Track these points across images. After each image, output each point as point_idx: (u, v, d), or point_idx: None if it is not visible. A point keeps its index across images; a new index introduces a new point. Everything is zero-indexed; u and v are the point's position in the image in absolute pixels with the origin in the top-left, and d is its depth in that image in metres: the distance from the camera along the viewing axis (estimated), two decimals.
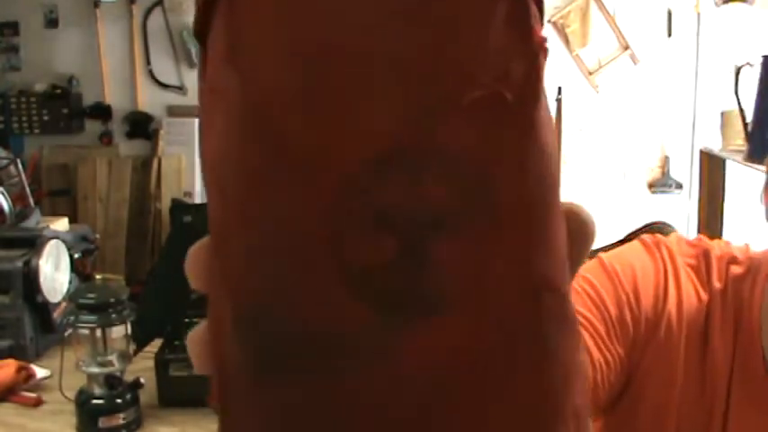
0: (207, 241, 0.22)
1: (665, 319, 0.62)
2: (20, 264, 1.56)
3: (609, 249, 0.73)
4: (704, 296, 0.64)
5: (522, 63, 0.20)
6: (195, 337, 0.22)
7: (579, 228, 0.22)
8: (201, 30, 0.21)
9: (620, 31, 4.06)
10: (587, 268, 0.65)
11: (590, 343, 0.61)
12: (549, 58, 0.21)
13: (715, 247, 0.68)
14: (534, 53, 0.20)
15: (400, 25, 0.19)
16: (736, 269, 0.65)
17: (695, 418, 0.62)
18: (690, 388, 0.62)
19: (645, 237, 0.71)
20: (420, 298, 0.19)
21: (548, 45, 0.21)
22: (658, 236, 0.70)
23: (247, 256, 0.20)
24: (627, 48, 4.06)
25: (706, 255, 0.67)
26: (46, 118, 4.57)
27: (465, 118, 0.19)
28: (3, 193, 2.01)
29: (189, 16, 4.42)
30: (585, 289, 0.63)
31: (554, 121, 0.21)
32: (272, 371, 0.20)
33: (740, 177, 3.18)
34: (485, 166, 0.19)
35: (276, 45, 0.19)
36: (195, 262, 0.22)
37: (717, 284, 0.64)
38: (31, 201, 2.28)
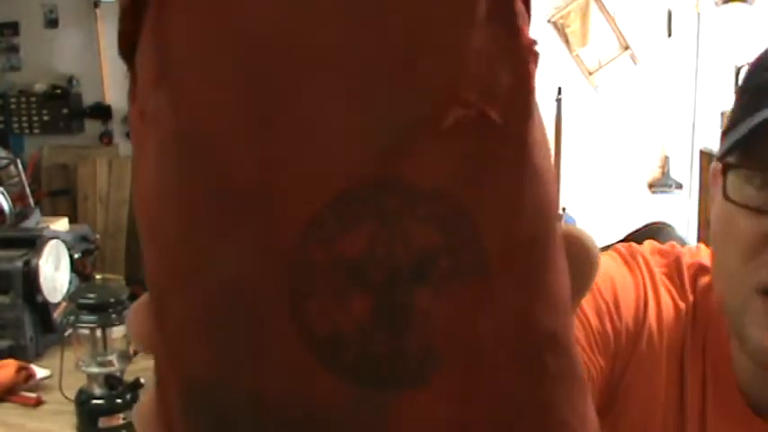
0: (147, 298, 0.18)
1: (647, 332, 0.61)
2: (20, 264, 1.56)
3: (609, 249, 0.72)
4: (681, 305, 0.63)
5: (509, 71, 0.16)
6: (142, 409, 0.19)
7: (581, 255, 0.19)
8: (126, 45, 0.18)
9: (620, 31, 4.06)
10: None
11: None
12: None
13: (686, 253, 0.67)
14: (523, 58, 0.17)
15: (363, 28, 0.16)
16: (704, 279, 0.64)
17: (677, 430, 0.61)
18: (671, 402, 0.61)
19: (619, 247, 0.69)
20: (402, 365, 0.16)
21: (538, 48, 0.17)
22: (633, 245, 0.69)
23: (189, 319, 0.17)
24: (627, 48, 4.06)
25: (677, 263, 0.66)
26: (46, 118, 4.57)
27: (444, 144, 0.16)
28: (3, 193, 2.01)
29: None
30: None
31: (548, 138, 0.17)
32: None
33: None
34: (470, 203, 0.16)
35: (212, 60, 0.16)
36: (136, 323, 0.19)
37: (689, 296, 0.63)
38: (31, 201, 2.27)
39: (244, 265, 0.16)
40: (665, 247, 0.70)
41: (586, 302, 0.61)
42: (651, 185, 3.71)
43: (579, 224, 3.72)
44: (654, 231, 1.02)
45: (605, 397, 0.61)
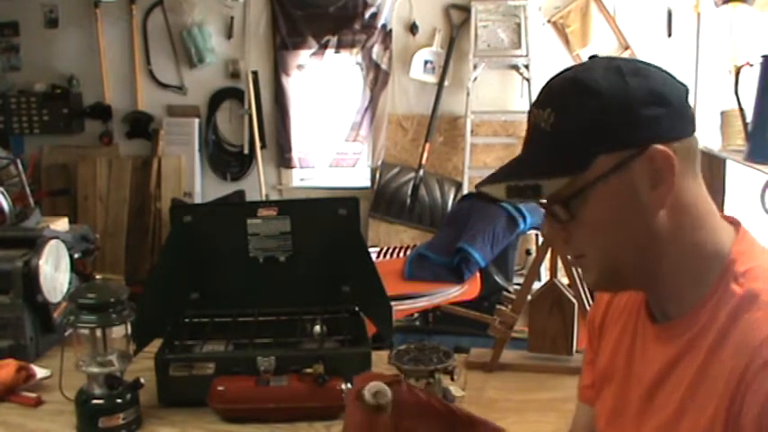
0: None
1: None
2: (20, 264, 1.56)
3: None
4: None
5: None
6: None
7: None
8: None
9: (620, 31, 4.06)
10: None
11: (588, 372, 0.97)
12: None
13: None
14: None
15: None
16: None
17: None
18: (629, 325, 0.88)
19: None
20: None
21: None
22: None
23: None
24: (627, 48, 4.06)
25: None
26: (46, 118, 4.56)
27: None
28: (3, 193, 2.01)
29: (189, 16, 4.43)
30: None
31: None
32: None
33: (740, 177, 3.17)
34: None
35: None
36: None
37: None
38: (31, 201, 2.28)
39: None
40: None
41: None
42: None
43: None
44: None
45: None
